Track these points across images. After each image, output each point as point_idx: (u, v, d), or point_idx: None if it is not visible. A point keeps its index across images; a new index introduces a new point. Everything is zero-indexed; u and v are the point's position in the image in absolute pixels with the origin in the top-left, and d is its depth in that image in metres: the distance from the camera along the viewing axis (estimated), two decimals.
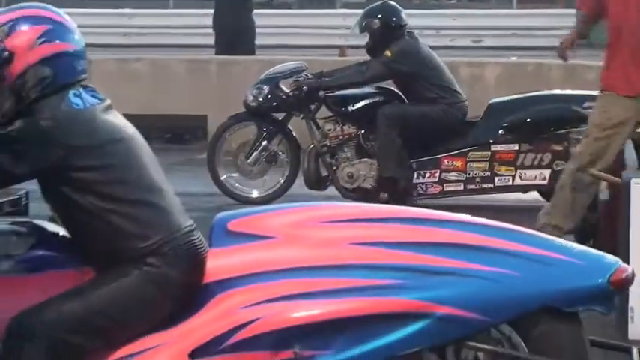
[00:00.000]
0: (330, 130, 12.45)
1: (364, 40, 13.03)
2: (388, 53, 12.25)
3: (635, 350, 5.83)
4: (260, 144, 12.71)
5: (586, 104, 11.98)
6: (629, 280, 5.42)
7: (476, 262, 5.22)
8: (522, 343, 5.26)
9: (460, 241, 5.30)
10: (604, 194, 8.90)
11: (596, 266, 5.31)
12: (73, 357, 5.15)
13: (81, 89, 5.37)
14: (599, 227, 8.95)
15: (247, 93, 12.75)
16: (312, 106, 12.63)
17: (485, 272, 5.20)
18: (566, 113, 12.23)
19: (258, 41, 19.29)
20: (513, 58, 18.41)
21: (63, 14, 5.50)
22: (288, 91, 12.56)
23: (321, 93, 12.50)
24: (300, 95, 12.46)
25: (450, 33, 29.29)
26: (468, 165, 12.19)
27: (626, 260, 6.69)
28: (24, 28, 5.30)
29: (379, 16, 12.68)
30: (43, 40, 5.30)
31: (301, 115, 12.61)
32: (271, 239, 5.38)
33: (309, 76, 12.73)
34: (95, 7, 31.48)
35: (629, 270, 5.40)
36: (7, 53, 5.23)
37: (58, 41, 5.33)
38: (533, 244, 5.34)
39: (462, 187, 12.17)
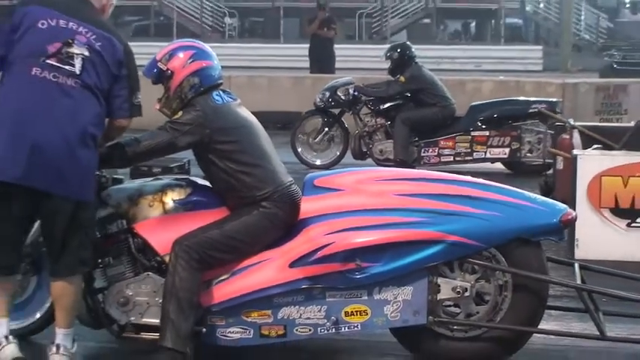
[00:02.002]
0: (368, 121, 12.47)
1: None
2: (402, 79, 12.28)
3: (576, 265, 5.82)
4: (323, 130, 12.74)
5: (532, 106, 12.25)
6: (573, 220, 5.43)
7: (474, 207, 5.19)
8: (504, 260, 5.22)
9: (464, 193, 5.26)
10: (559, 164, 8.83)
11: (552, 211, 5.27)
12: (213, 266, 5.19)
13: (221, 92, 5.43)
14: (556, 185, 8.88)
15: (316, 97, 12.81)
16: (357, 106, 12.60)
17: (480, 214, 5.17)
18: (519, 112, 12.35)
19: (337, 65, 19.27)
20: (501, 77, 18.26)
21: (203, 44, 5.61)
22: (342, 95, 12.59)
23: (363, 98, 12.54)
24: (349, 99, 12.51)
25: (461, 60, 29.11)
26: (456, 145, 12.29)
27: (573, 207, 6.64)
28: (179, 54, 5.38)
29: (398, 50, 12.64)
30: (191, 60, 5.37)
31: (350, 112, 12.63)
32: (342, 191, 5.36)
33: (354, 87, 12.69)
34: (234, 42, 31.58)
35: (574, 214, 5.38)
36: (169, 72, 5.31)
37: (200, 60, 5.40)
38: (511, 195, 5.30)
39: (452, 159, 12.24)
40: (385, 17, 34.89)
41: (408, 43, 13.60)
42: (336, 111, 12.76)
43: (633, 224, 7.63)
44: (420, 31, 36.28)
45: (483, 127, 12.25)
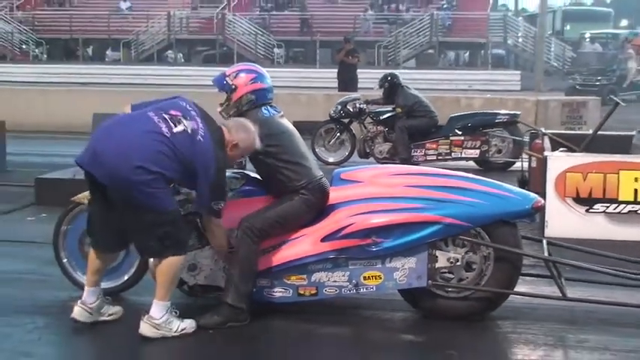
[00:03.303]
0: (370, 128, 12.48)
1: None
2: (399, 110, 12.27)
3: (544, 241, 5.78)
4: (336, 134, 12.74)
5: (498, 117, 12.25)
6: (542, 207, 5.37)
7: (465, 196, 5.15)
8: (487, 237, 5.18)
9: (457, 185, 5.23)
10: (533, 163, 8.76)
11: (525, 199, 5.22)
12: (266, 238, 5.17)
13: (269, 107, 5.39)
14: (530, 179, 8.82)
15: (331, 109, 12.86)
16: (362, 117, 12.59)
17: (469, 202, 5.13)
18: (487, 121, 12.25)
19: (360, 85, 19.20)
20: (488, 95, 18.09)
21: (262, 68, 5.54)
22: (350, 108, 12.60)
23: (367, 111, 12.56)
24: (356, 111, 12.55)
25: (457, 82, 28.76)
26: (438, 147, 12.19)
27: (543, 196, 6.59)
28: (242, 74, 5.35)
29: (388, 79, 12.58)
30: (252, 81, 5.34)
31: (357, 121, 12.63)
32: (362, 183, 5.34)
33: (362, 101, 12.74)
34: (281, 67, 31.54)
35: (542, 202, 5.32)
36: (233, 86, 5.28)
37: (259, 82, 5.37)
38: (493, 187, 5.25)
39: (435, 158, 12.11)
40: (398, 48, 34.77)
41: (394, 72, 13.46)
42: (346, 120, 12.76)
43: (591, 210, 7.58)
44: (426, 59, 36.09)
45: (460, 133, 12.17)
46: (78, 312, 4.98)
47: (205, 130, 4.84)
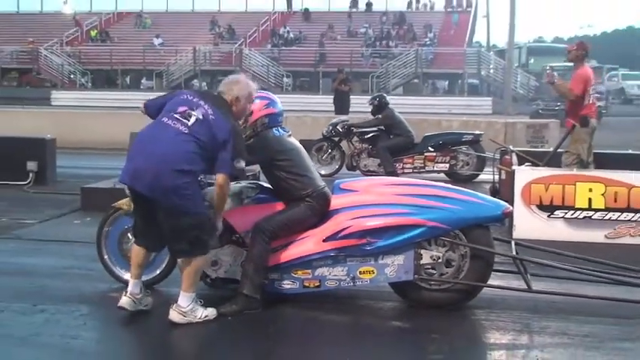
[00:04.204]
0: (357, 146, 12.48)
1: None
2: (382, 120, 12.24)
3: (512, 242, 5.78)
4: (327, 151, 12.76)
5: (464, 137, 12.27)
6: (511, 213, 5.38)
7: (445, 203, 5.14)
8: (464, 238, 5.18)
9: (438, 194, 5.22)
10: (503, 175, 8.76)
11: (496, 206, 5.22)
12: (276, 238, 5.16)
13: (279, 128, 5.38)
14: (500, 189, 8.81)
15: (323, 129, 12.88)
16: (350, 135, 12.58)
17: (449, 208, 5.12)
18: (455, 140, 12.25)
19: (357, 109, 19.18)
20: (464, 118, 18.08)
21: (274, 95, 5.53)
22: (340, 129, 12.64)
23: (354, 130, 12.53)
24: (345, 130, 12.57)
25: (438, 107, 28.83)
26: (414, 161, 12.17)
27: (512, 204, 6.58)
28: (257, 100, 5.32)
29: (377, 98, 12.59)
30: (266, 106, 5.32)
31: (346, 139, 12.64)
32: (358, 192, 5.33)
33: (350, 123, 12.71)
34: (289, 94, 31.52)
35: (511, 208, 5.35)
36: (249, 111, 5.25)
37: (272, 107, 5.36)
38: (469, 195, 5.25)
39: (411, 171, 12.11)
40: (388, 78, 34.82)
41: (384, 94, 13.47)
42: (336, 139, 12.77)
43: (552, 215, 7.58)
44: (412, 88, 36.06)
45: (432, 149, 12.16)
46: (126, 301, 4.95)
47: (212, 108, 4.80)
